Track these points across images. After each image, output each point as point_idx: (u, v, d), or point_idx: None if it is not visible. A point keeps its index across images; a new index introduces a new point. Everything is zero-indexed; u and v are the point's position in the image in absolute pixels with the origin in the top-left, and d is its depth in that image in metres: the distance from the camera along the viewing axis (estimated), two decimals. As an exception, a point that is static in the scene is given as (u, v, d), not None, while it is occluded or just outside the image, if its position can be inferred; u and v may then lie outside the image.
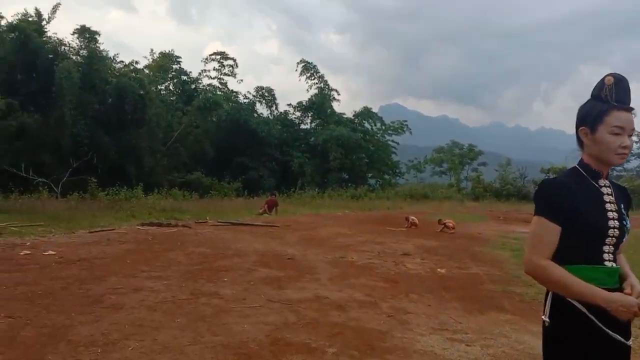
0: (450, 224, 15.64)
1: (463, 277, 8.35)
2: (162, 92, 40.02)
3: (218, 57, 42.74)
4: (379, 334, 5.06)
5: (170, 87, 42.52)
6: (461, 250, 11.62)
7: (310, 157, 41.06)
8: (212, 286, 6.67)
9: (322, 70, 46.85)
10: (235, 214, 18.24)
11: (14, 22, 28.45)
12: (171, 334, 4.65)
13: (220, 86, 43.08)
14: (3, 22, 29.08)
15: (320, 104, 44.89)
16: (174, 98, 40.98)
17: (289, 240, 12.06)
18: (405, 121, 49.99)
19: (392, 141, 49.03)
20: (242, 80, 45.19)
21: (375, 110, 50.99)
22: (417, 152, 64.67)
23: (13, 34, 28.20)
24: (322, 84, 45.91)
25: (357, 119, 47.43)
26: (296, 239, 12.37)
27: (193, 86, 42.57)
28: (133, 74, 32.68)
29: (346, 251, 10.50)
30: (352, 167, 42.59)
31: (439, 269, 8.93)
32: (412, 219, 16.74)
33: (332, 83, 58.73)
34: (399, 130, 49.16)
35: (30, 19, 29.01)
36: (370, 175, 46.86)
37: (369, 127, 48.01)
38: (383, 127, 48.68)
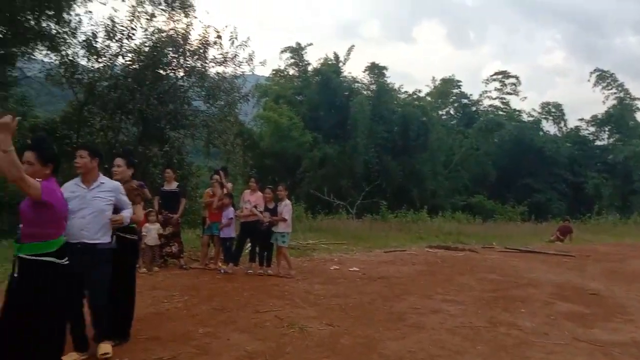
0: None
1: None
2: (443, 117, 41.11)
3: (499, 76, 41.80)
4: None
5: (451, 112, 43.42)
6: None
7: (608, 177, 36.16)
8: (509, 316, 6.46)
9: (620, 78, 41.12)
10: (523, 240, 17.24)
11: (318, 66, 33.43)
12: (473, 361, 4.68)
13: (502, 106, 41.93)
14: (310, 68, 34.50)
15: (619, 116, 39.33)
16: (455, 122, 41.64)
17: (589, 272, 10.78)
18: None
19: None
20: (525, 98, 43.09)
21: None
22: None
23: (317, 77, 33.15)
24: (621, 94, 40.20)
25: (672, 131, 39.81)
26: (598, 271, 10.98)
27: (474, 108, 42.50)
28: (416, 102, 34.50)
29: (669, 290, 8.83)
30: (667, 187, 35.80)
31: None
32: None
33: (634, 91, 50.37)
34: None
35: (330, 62, 33.59)
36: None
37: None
38: None
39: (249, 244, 8.99)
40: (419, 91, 38.55)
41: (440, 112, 41.46)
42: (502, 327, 5.87)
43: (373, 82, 33.82)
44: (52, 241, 3.42)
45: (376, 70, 33.71)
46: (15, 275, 3.36)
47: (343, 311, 6.36)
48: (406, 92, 37.26)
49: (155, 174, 13.27)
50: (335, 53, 34.06)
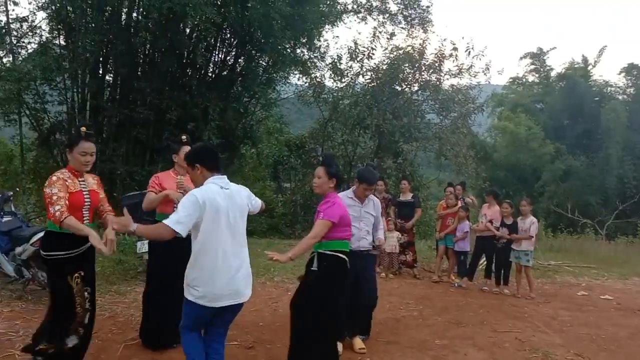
0: None
1: None
2: None
3: None
4: None
5: None
6: None
7: None
8: None
9: None
10: None
11: (562, 71, 30.66)
12: None
13: None
14: (552, 74, 31.84)
15: None
16: None
17: None
18: None
19: None
20: None
21: None
22: None
23: (561, 83, 30.40)
24: None
25: None
26: None
27: None
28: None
29: None
30: None
31: None
32: None
33: None
34: None
35: (576, 66, 30.47)
36: None
37: None
38: None
39: (484, 260, 8.70)
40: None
41: None
42: None
43: (631, 84, 29.53)
44: (337, 241, 3.98)
45: (635, 71, 29.34)
46: (315, 268, 3.93)
47: (594, 342, 5.70)
48: (675, 94, 31.53)
49: (389, 185, 13.80)
50: (583, 55, 30.92)
